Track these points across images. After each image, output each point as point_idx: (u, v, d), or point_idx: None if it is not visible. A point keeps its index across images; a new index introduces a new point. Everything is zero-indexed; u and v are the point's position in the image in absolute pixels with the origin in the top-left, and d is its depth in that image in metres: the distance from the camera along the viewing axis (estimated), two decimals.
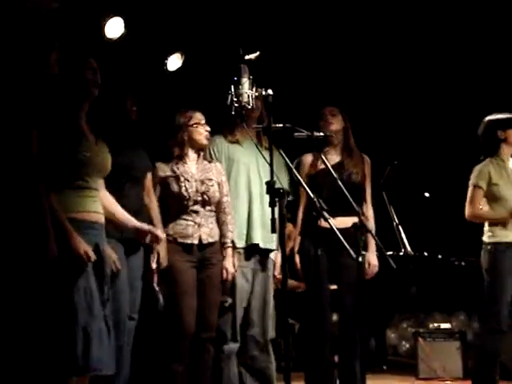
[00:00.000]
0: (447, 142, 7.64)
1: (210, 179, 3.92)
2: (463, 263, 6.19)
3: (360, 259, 3.60)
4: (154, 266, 3.63)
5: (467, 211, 4.32)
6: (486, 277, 4.24)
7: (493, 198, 4.29)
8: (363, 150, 4.50)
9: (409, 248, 6.30)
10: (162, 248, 3.65)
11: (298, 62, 6.46)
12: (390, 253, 6.16)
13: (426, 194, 7.03)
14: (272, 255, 4.15)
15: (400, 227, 6.45)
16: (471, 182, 4.32)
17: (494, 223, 4.27)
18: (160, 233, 3.30)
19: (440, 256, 6.25)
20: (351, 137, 4.24)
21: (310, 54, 6.44)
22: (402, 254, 6.25)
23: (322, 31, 6.25)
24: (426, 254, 6.26)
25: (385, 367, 6.05)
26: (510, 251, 4.19)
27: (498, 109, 4.57)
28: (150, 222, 3.61)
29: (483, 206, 4.33)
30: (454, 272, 6.26)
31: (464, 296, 6.46)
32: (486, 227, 4.31)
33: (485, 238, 4.30)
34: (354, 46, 6.53)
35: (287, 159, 3.45)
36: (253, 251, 4.07)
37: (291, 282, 5.33)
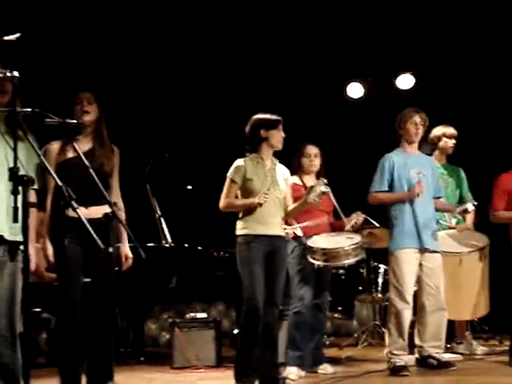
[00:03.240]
0: (209, 136, 7.87)
1: None
2: (222, 254, 6.36)
3: (111, 250, 3.57)
4: None
5: (221, 202, 4.52)
6: (240, 268, 4.42)
7: (247, 191, 4.49)
8: (126, 142, 4.45)
9: (169, 239, 6.38)
10: None
11: (54, 47, 6.25)
12: (152, 244, 6.20)
13: (189, 187, 7.16)
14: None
15: (162, 219, 6.51)
16: (228, 176, 4.51)
17: (245, 215, 4.45)
18: None
19: (200, 247, 6.38)
20: (104, 126, 4.11)
21: (64, 39, 6.27)
22: (163, 245, 6.31)
23: (81, 16, 6.12)
24: (186, 245, 6.36)
25: (142, 358, 6.04)
26: (259, 243, 4.40)
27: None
28: None
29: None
30: (213, 263, 6.41)
31: (223, 286, 6.63)
32: (238, 220, 4.50)
33: (236, 231, 4.50)
34: (115, 34, 6.47)
35: (35, 145, 3.32)
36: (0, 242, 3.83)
37: (48, 274, 5.13)
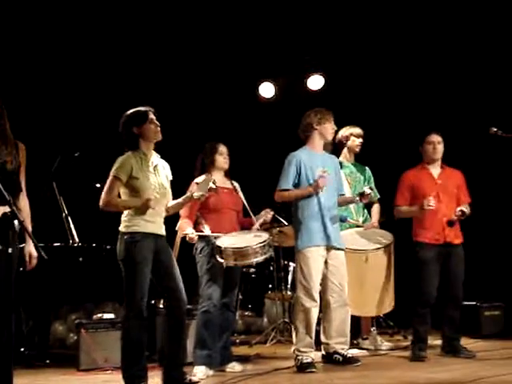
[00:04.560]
0: (118, 134, 7.77)
1: None
2: None
3: (10, 250, 3.46)
4: None
5: (102, 199, 4.30)
6: (123, 267, 4.27)
7: (133, 189, 4.32)
8: (33, 139, 4.31)
9: (76, 238, 6.24)
10: None
11: None
12: (58, 244, 6.05)
13: (97, 185, 7.02)
14: None
15: (69, 218, 6.36)
16: (112, 173, 4.31)
17: (132, 213, 4.30)
18: None
19: (108, 246, 6.28)
20: (7, 122, 3.92)
21: None
22: (70, 244, 6.17)
23: None
24: (94, 244, 6.25)
25: (48, 361, 5.86)
26: (147, 241, 4.27)
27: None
28: None
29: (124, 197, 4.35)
30: None
31: None
32: (124, 217, 4.33)
33: (121, 228, 4.32)
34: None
35: None
36: None
37: None
